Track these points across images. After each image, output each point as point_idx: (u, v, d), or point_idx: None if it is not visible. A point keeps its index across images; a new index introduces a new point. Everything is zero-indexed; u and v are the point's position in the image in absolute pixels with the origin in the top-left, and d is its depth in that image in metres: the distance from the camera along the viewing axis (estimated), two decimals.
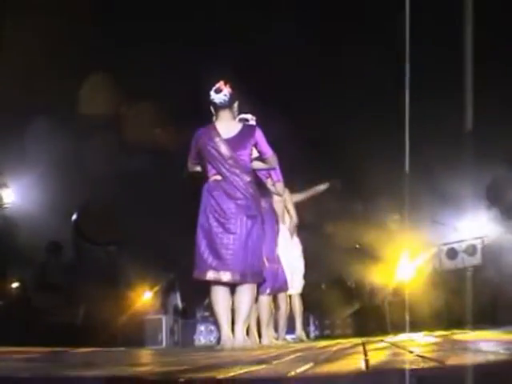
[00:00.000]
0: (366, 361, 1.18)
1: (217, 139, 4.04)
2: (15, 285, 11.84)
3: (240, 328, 3.87)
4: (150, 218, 10.72)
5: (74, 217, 11.98)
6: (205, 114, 4.34)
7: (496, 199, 10.10)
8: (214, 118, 4.22)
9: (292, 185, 5.63)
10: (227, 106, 4.14)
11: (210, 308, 8.14)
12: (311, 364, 1.19)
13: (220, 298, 3.91)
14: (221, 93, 4.09)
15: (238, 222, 3.90)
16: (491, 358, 1.02)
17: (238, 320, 3.88)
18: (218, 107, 4.15)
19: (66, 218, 11.87)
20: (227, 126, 4.12)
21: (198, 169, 4.22)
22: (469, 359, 1.04)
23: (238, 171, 3.98)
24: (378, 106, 9.24)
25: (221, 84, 4.12)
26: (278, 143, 4.43)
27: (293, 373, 1.02)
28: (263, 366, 1.24)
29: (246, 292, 3.88)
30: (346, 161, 9.24)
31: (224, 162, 3.98)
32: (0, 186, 10.54)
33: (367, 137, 9.06)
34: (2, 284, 11.07)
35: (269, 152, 4.14)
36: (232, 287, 3.95)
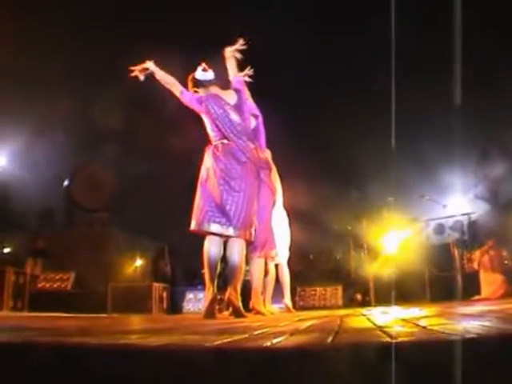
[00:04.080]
0: (335, 333, 1.28)
1: (227, 106, 4.27)
2: (7, 250, 11.92)
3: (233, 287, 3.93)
4: (143, 187, 10.78)
5: (66, 183, 12.01)
6: None
7: (484, 176, 10.23)
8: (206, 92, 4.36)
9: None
10: (215, 82, 4.37)
11: (199, 276, 8.25)
12: (286, 336, 1.29)
13: (213, 248, 4.02)
14: (208, 71, 4.34)
15: (242, 183, 4.07)
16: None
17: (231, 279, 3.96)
18: (208, 84, 4.35)
19: (58, 184, 11.90)
20: (226, 94, 4.33)
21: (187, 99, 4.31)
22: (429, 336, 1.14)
23: (244, 137, 4.20)
24: (364, 85, 9.28)
25: (204, 64, 4.37)
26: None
27: (268, 343, 1.12)
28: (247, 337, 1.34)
29: (237, 244, 4.02)
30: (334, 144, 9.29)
31: (233, 127, 4.20)
32: None
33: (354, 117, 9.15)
34: None
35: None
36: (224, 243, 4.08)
